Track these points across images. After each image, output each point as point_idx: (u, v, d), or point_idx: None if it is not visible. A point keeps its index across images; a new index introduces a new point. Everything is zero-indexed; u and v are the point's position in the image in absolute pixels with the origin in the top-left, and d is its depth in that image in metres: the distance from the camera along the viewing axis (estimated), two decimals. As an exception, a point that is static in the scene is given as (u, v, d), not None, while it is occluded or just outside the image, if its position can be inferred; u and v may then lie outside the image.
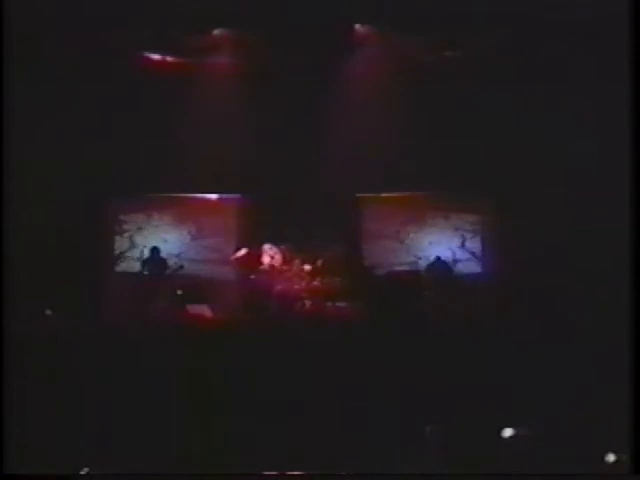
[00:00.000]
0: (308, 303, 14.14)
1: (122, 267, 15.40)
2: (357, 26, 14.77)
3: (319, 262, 14.42)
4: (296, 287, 14.26)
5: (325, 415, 9.89)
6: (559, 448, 7.84)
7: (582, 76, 13.83)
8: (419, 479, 7.85)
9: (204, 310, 13.54)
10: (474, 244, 15.59)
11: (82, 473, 7.79)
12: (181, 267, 14.76)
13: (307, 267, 14.39)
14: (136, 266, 14.93)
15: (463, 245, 15.60)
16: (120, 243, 15.53)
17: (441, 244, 15.47)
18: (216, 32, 14.78)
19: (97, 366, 10.66)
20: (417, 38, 14.69)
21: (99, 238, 15.08)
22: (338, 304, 14.04)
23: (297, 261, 14.47)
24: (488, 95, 14.35)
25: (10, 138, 10.40)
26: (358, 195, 15.46)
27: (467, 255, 15.56)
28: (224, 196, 15.64)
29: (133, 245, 15.53)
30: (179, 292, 14.40)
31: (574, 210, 13.77)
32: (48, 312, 12.58)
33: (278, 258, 14.49)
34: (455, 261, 15.30)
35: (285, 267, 14.44)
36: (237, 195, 15.57)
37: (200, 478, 8.28)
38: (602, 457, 7.62)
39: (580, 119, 13.85)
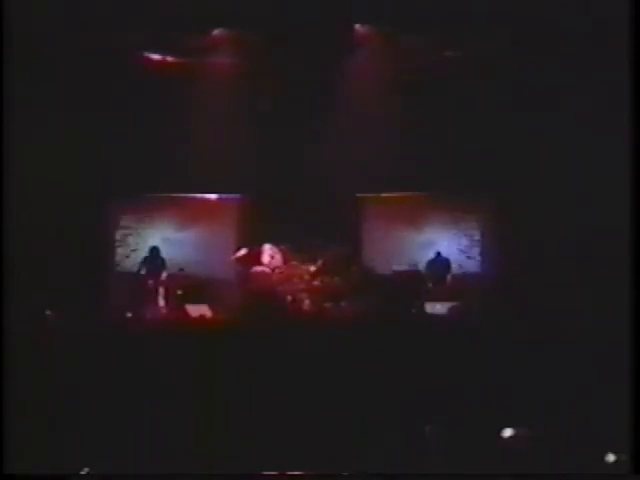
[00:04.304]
0: (308, 303, 14.14)
1: (122, 267, 15.42)
2: (357, 26, 14.78)
3: (319, 262, 14.43)
4: (296, 287, 14.27)
5: (325, 415, 9.88)
6: (559, 448, 7.83)
7: (582, 76, 13.83)
8: (419, 479, 7.85)
9: (204, 310, 13.55)
10: (474, 244, 15.61)
11: (82, 473, 7.79)
12: (181, 269, 14.79)
13: (307, 267, 14.40)
14: (136, 266, 14.93)
15: (463, 245, 15.61)
16: (120, 243, 15.54)
17: (441, 244, 15.47)
18: (216, 32, 14.78)
19: (97, 366, 10.66)
20: (417, 38, 14.69)
21: (99, 238, 15.08)
22: (338, 304, 14.04)
23: (297, 261, 14.48)
24: (488, 95, 14.36)
25: (10, 138, 10.39)
26: (358, 195, 15.48)
27: (467, 255, 15.57)
28: (224, 196, 15.65)
29: (133, 245, 15.54)
30: (179, 292, 14.42)
31: (574, 210, 13.78)
32: (48, 312, 12.57)
33: (278, 258, 14.50)
34: (455, 261, 15.30)
35: (285, 267, 14.45)
36: (237, 195, 15.58)
37: (200, 478, 8.28)
38: (602, 457, 7.62)
39: (580, 119, 13.84)
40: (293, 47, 14.40)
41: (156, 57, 14.99)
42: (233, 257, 14.75)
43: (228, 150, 14.59)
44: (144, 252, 15.00)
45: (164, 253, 14.92)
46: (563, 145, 14.02)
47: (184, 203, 15.66)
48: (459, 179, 14.67)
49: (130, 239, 15.57)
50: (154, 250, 14.80)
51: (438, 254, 15.06)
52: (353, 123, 14.74)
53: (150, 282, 14.50)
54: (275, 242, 14.59)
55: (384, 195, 15.50)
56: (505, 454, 7.84)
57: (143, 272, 14.64)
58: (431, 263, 15.03)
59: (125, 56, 14.50)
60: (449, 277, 14.86)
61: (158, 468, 8.38)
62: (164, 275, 14.60)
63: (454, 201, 15.50)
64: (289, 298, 14.16)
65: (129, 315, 13.44)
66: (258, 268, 14.43)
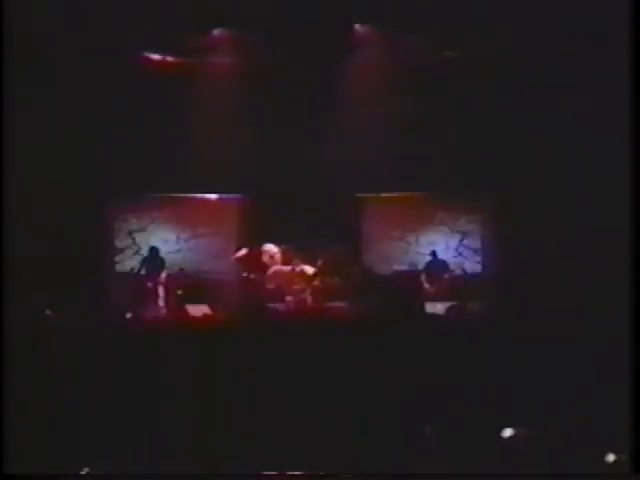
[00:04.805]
0: (308, 303, 14.14)
1: (122, 267, 15.41)
2: (357, 26, 14.78)
3: (319, 262, 14.44)
4: (296, 287, 14.27)
5: (325, 415, 9.88)
6: (559, 448, 7.83)
7: (582, 76, 13.83)
8: (419, 479, 7.84)
9: (204, 310, 13.54)
10: (474, 244, 15.61)
11: (82, 473, 7.79)
12: (181, 269, 14.80)
13: (307, 267, 14.40)
14: (136, 266, 14.93)
15: (463, 245, 15.61)
16: (120, 243, 15.54)
17: (441, 244, 15.48)
18: (216, 32, 14.78)
19: (97, 366, 10.65)
20: (417, 38, 14.69)
21: (99, 238, 15.08)
22: (338, 304, 14.04)
23: (297, 261, 14.48)
24: (488, 95, 14.36)
25: (10, 138, 10.39)
26: (358, 195, 15.48)
27: (467, 255, 15.57)
28: (224, 196, 15.65)
29: (133, 245, 15.54)
30: (179, 292, 14.42)
31: (574, 210, 13.77)
32: (48, 312, 12.57)
33: (278, 258, 14.50)
34: (455, 261, 15.31)
35: (285, 267, 14.45)
36: (237, 195, 15.58)
37: (200, 478, 8.28)
38: (602, 457, 7.62)
39: (580, 119, 13.84)
40: (293, 47, 14.40)
41: (156, 57, 14.99)
42: (233, 257, 14.75)
43: (228, 150, 14.59)
44: (144, 252, 15.01)
45: (164, 253, 14.93)
46: (563, 145, 14.02)
47: (184, 203, 15.66)
48: (459, 179, 14.67)
49: (130, 239, 15.56)
50: (153, 250, 14.81)
51: (437, 254, 15.07)
52: (353, 123, 14.74)
53: (150, 282, 14.50)
54: (275, 242, 14.60)
55: (384, 195, 15.50)
56: (505, 454, 7.84)
57: (143, 272, 14.65)
58: (431, 263, 15.04)
59: (125, 56, 14.49)
60: (449, 277, 14.86)
61: (158, 468, 8.38)
62: (164, 275, 14.61)
63: (454, 201, 15.50)
64: (289, 298, 14.16)
65: (129, 315, 13.44)
66: (258, 268, 14.43)
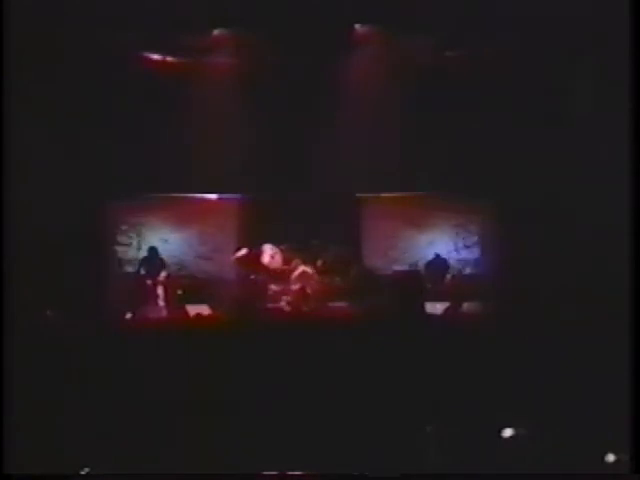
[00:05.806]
0: (308, 303, 14.14)
1: (122, 267, 15.40)
2: (357, 26, 14.78)
3: (319, 262, 14.44)
4: (296, 287, 14.27)
5: (325, 415, 9.89)
6: (559, 448, 7.84)
7: (582, 77, 13.83)
8: (419, 479, 7.85)
9: (204, 310, 13.55)
10: (474, 244, 15.60)
11: (82, 473, 7.80)
12: (180, 269, 14.80)
13: (307, 267, 14.40)
14: (136, 266, 14.93)
15: (463, 245, 15.61)
16: (120, 243, 15.53)
17: (441, 244, 15.48)
18: (216, 32, 14.78)
19: (97, 366, 10.66)
20: (417, 38, 14.69)
21: (99, 238, 15.07)
22: (338, 304, 14.04)
23: (297, 261, 14.49)
24: (488, 95, 14.36)
25: (10, 138, 10.39)
26: (358, 195, 15.48)
27: (467, 255, 15.58)
28: (224, 196, 15.65)
29: (133, 245, 15.53)
30: (179, 292, 14.42)
31: (574, 210, 13.77)
32: (48, 312, 12.57)
33: (278, 258, 14.51)
34: (455, 261, 15.31)
35: (285, 267, 14.46)
36: (237, 195, 15.58)
37: (200, 478, 8.29)
38: (602, 457, 7.63)
39: (580, 119, 13.84)
40: (293, 47, 14.40)
41: (156, 57, 14.98)
42: (233, 257, 14.75)
43: (228, 150, 14.59)
44: (144, 252, 15.01)
45: (164, 253, 14.92)
46: (563, 145, 14.01)
47: (184, 203, 15.65)
48: (459, 179, 14.66)
49: (130, 239, 15.56)
50: (153, 250, 14.80)
51: (438, 255, 15.08)
52: (353, 123, 14.73)
53: (149, 282, 14.50)
54: (275, 242, 14.60)
55: (384, 195, 15.49)
56: (505, 454, 7.85)
57: (143, 272, 14.64)
58: (431, 263, 15.05)
59: (125, 56, 14.49)
60: (449, 277, 14.87)
61: (158, 468, 8.39)
62: (163, 275, 14.60)
63: (454, 201, 15.49)
64: (289, 298, 14.16)
65: (129, 315, 13.45)
66: (258, 268, 14.43)
